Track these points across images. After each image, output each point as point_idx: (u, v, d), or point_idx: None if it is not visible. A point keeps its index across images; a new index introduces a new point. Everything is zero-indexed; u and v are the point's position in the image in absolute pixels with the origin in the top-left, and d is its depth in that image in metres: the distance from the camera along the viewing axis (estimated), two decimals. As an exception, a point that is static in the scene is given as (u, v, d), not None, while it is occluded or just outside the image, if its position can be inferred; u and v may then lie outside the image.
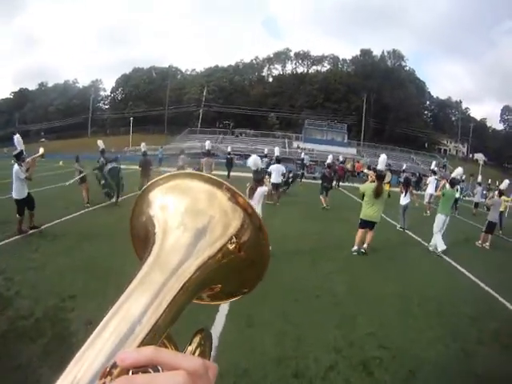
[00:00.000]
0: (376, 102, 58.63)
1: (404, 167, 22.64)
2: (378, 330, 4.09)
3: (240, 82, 63.60)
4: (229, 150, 22.40)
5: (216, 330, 3.65)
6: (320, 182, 13.43)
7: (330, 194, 12.97)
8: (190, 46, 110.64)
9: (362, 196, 7.55)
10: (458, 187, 14.39)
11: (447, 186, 8.53)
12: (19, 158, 7.22)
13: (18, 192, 7.18)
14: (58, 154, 31.68)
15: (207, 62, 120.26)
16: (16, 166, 7.14)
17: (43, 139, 63.65)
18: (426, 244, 8.53)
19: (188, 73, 70.17)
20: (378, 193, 6.99)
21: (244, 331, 3.75)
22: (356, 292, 5.25)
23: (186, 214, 0.43)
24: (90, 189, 10.81)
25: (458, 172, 8.80)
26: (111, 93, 72.90)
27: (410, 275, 6.35)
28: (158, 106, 59.91)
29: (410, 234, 10.01)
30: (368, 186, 7.26)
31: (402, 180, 14.17)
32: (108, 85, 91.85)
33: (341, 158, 26.55)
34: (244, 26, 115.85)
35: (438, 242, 8.04)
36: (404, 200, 10.27)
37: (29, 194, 7.40)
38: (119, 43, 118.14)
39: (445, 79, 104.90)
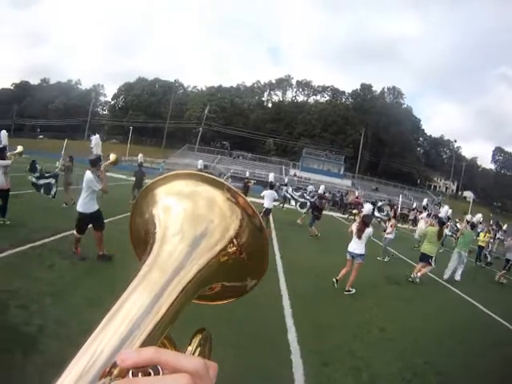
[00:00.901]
0: (372, 137, 59.93)
1: (424, 202, 22.03)
2: (432, 359, 4.50)
3: (240, 104, 64.45)
4: (247, 174, 21.86)
5: (298, 372, 3.76)
6: (311, 210, 13.50)
7: (317, 224, 12.92)
8: (194, 63, 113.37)
9: (424, 236, 9.50)
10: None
11: (468, 227, 10.35)
12: (95, 163, 5.90)
13: (85, 204, 5.85)
14: (57, 154, 31.51)
15: (209, 80, 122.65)
16: (89, 173, 5.85)
17: (41, 136, 62.97)
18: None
19: (189, 89, 71.10)
20: (439, 236, 8.73)
21: (323, 370, 3.92)
22: (400, 325, 5.61)
23: (186, 215, 0.43)
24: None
25: (445, 210, 9.89)
26: (112, 99, 73.14)
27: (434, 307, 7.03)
28: (157, 119, 60.06)
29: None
30: (430, 229, 9.04)
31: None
32: (109, 91, 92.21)
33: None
34: (249, 49, 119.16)
35: (446, 270, 9.63)
36: (389, 234, 10.50)
37: (98, 209, 6.01)
38: (126, 51, 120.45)
39: (437, 118, 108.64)
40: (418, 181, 67.27)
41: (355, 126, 59.55)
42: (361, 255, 6.56)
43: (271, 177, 14.75)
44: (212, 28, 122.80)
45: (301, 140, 58.72)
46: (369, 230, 6.65)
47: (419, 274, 8.51)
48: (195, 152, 49.09)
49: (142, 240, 0.46)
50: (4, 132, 7.63)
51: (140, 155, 14.96)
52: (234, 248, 0.44)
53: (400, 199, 23.72)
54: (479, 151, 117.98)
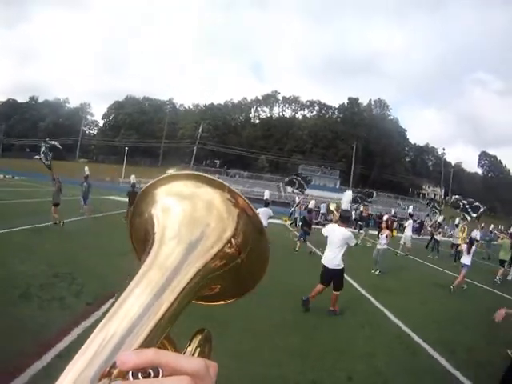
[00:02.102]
0: (363, 149, 61.25)
1: (410, 210, 20.65)
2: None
3: (230, 121, 65.07)
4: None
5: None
6: (300, 225, 13.32)
7: (308, 239, 12.67)
8: (180, 81, 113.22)
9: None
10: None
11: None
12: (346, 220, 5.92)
13: (338, 260, 5.70)
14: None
15: (195, 98, 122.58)
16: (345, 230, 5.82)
17: (37, 156, 61.40)
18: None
19: (179, 107, 71.20)
20: None
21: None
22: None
23: (184, 217, 0.43)
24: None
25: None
26: (102, 118, 72.55)
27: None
28: (149, 138, 59.94)
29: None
30: (506, 241, 11.93)
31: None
32: (95, 110, 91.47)
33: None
34: (232, 67, 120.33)
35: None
36: (382, 245, 10.24)
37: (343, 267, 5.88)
38: (111, 70, 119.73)
39: (419, 126, 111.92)
40: (410, 190, 68.75)
41: (345, 139, 60.78)
42: None
43: (266, 194, 14.70)
44: (196, 46, 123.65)
45: (293, 156, 59.46)
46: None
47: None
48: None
49: (141, 240, 0.47)
50: None
51: (132, 176, 15.23)
52: (233, 249, 0.44)
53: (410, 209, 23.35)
54: (462, 156, 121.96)
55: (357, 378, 3.85)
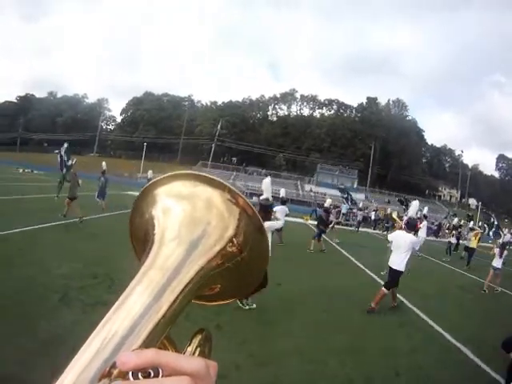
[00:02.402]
0: (381, 150, 60.85)
1: (425, 212, 20.21)
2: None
3: (248, 119, 65.25)
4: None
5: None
6: (316, 224, 12.97)
7: (322, 238, 12.60)
8: (198, 78, 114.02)
9: None
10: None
11: None
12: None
13: (402, 263, 6.19)
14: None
15: (212, 95, 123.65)
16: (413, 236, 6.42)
17: (57, 150, 62.43)
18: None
19: (197, 104, 71.58)
20: None
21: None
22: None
23: (184, 217, 0.43)
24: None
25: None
26: (121, 114, 73.41)
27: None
28: (167, 134, 60.47)
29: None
30: None
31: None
32: (112, 106, 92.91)
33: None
34: (250, 65, 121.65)
35: None
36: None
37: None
38: (132, 66, 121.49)
39: (436, 127, 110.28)
40: (427, 191, 68.06)
41: (363, 139, 60.42)
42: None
43: (282, 192, 14.82)
44: (214, 43, 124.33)
45: (311, 155, 59.43)
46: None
47: None
48: (210, 169, 49.38)
49: (141, 240, 0.47)
50: None
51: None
52: (234, 248, 0.44)
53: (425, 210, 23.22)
54: (478, 158, 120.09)
55: (403, 373, 4.09)
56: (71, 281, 5.23)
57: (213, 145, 50.87)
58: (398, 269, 6.23)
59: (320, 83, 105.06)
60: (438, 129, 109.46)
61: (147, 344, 0.32)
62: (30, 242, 7.11)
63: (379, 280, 8.25)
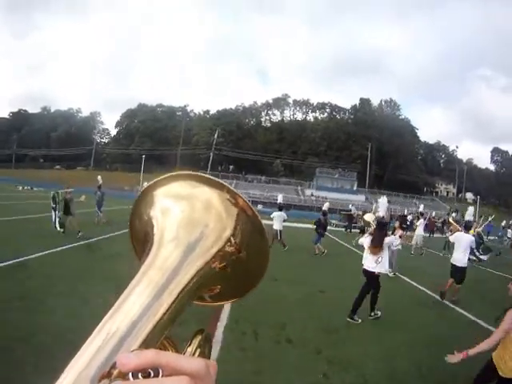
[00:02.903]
0: (376, 150, 61.25)
1: (421, 209, 19.97)
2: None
3: (243, 126, 65.35)
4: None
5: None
6: (315, 228, 12.73)
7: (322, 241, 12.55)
8: (189, 88, 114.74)
9: None
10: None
11: None
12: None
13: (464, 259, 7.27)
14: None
15: (203, 103, 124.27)
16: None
17: (58, 166, 61.82)
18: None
19: (189, 113, 71.54)
20: None
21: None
22: None
23: (184, 216, 0.44)
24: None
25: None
26: (115, 127, 73.19)
27: None
28: (163, 145, 60.31)
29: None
30: None
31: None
32: (105, 119, 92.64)
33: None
34: (239, 71, 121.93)
35: None
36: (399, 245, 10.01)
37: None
38: (124, 79, 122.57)
39: (428, 124, 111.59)
40: (425, 189, 68.56)
41: (358, 141, 60.77)
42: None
43: (280, 198, 15.21)
44: (204, 53, 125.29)
45: (308, 159, 59.67)
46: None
47: None
48: (209, 178, 48.93)
49: (141, 240, 0.47)
50: None
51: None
52: (232, 249, 0.44)
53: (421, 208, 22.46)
54: (471, 152, 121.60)
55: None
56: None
57: (211, 154, 50.68)
58: (461, 265, 7.24)
59: (311, 87, 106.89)
60: (430, 126, 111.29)
61: (147, 344, 0.32)
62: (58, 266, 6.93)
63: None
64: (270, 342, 4.49)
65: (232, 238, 0.44)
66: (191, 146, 58.60)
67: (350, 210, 29.48)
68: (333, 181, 51.35)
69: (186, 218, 0.44)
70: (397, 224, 11.22)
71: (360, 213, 31.82)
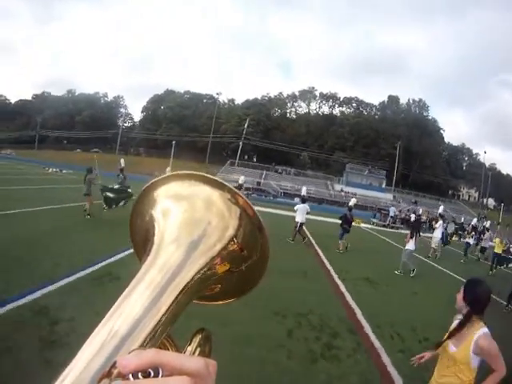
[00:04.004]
0: (404, 149, 60.58)
1: (440, 210, 18.24)
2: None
3: (272, 117, 64.99)
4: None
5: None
6: (340, 223, 12.54)
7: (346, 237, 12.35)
8: (214, 76, 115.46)
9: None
10: None
11: None
12: None
13: None
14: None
15: (231, 93, 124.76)
16: None
17: (78, 149, 62.10)
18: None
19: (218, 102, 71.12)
20: None
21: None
22: None
23: (185, 216, 0.44)
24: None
25: None
26: (142, 112, 73.32)
27: None
28: (190, 132, 60.31)
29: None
30: None
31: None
32: (130, 104, 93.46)
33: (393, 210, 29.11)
34: (262, 64, 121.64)
35: None
36: (411, 245, 9.98)
37: None
38: (148, 66, 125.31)
39: (451, 125, 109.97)
40: (450, 191, 67.82)
41: (387, 138, 60.14)
42: None
43: (303, 191, 15.07)
44: (228, 44, 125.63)
45: (335, 153, 59.31)
46: None
47: None
48: (239, 167, 49.21)
49: (141, 239, 0.47)
50: None
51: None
52: (234, 247, 0.44)
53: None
54: (494, 156, 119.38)
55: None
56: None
57: (240, 143, 50.62)
58: None
59: (333, 82, 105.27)
60: (452, 128, 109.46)
61: (147, 344, 0.32)
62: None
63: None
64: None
65: (234, 237, 0.44)
66: (219, 134, 58.47)
67: (388, 212, 29.72)
68: (362, 177, 51.03)
69: (188, 217, 0.44)
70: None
71: (397, 212, 31.88)
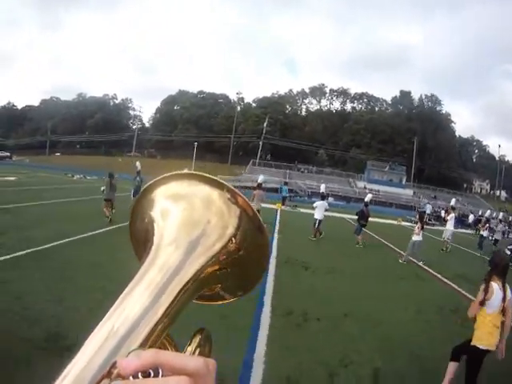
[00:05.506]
0: (419, 144, 60.87)
1: (452, 203, 18.48)
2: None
3: (290, 115, 65.20)
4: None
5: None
6: (357, 219, 12.78)
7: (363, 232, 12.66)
8: (223, 75, 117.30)
9: None
10: None
11: None
12: None
13: None
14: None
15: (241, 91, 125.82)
16: None
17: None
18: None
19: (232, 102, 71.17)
20: None
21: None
22: None
23: (184, 216, 0.44)
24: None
25: None
26: (155, 113, 73.32)
27: None
28: (207, 132, 60.35)
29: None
30: None
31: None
32: (137, 105, 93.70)
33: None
34: (268, 62, 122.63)
35: None
36: (417, 236, 10.29)
37: None
38: (158, 67, 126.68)
39: (457, 116, 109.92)
40: (465, 185, 68.11)
41: (403, 134, 60.37)
42: None
43: (323, 188, 15.21)
44: (235, 43, 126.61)
45: (351, 150, 59.59)
46: None
47: None
48: (262, 167, 49.24)
49: (141, 239, 0.47)
50: None
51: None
52: (234, 247, 0.44)
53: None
54: (503, 149, 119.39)
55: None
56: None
57: (260, 143, 50.81)
58: None
59: (339, 78, 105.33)
60: (460, 120, 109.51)
61: (147, 344, 0.32)
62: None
63: None
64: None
65: (234, 236, 0.45)
66: (237, 133, 58.68)
67: (425, 212, 30.03)
68: (383, 174, 51.38)
69: (187, 216, 0.44)
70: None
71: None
